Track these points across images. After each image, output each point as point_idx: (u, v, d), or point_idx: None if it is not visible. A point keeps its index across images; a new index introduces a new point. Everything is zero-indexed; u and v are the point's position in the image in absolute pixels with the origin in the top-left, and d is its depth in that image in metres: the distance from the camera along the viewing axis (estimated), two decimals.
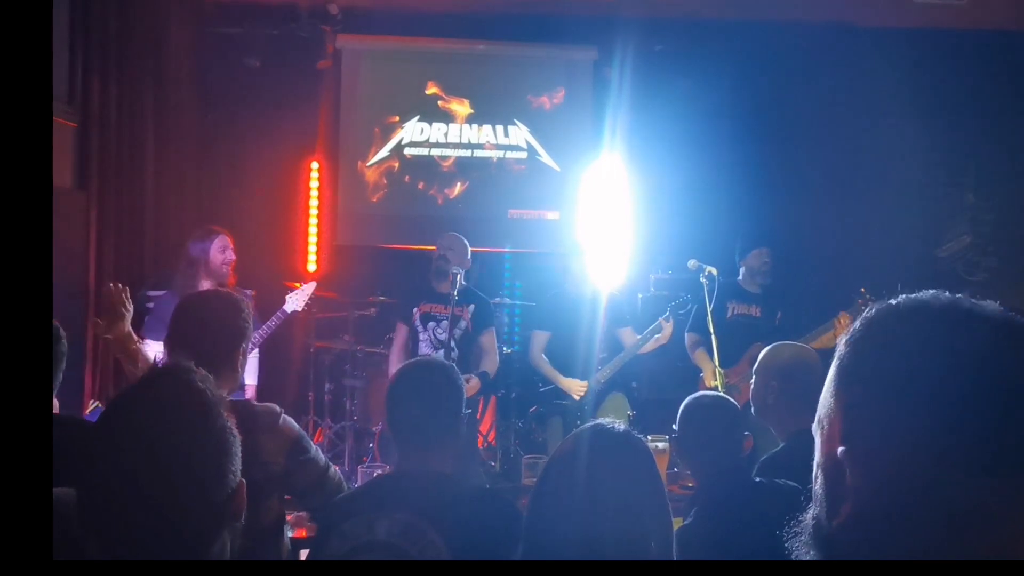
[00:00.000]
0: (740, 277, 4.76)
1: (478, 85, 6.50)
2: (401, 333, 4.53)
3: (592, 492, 1.52)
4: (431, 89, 6.44)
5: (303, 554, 2.65)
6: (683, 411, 2.35)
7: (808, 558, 0.83)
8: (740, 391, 4.18)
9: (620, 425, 1.63)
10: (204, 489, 1.09)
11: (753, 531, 1.33)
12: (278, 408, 2.21)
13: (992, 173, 6.31)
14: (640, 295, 5.80)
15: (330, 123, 6.37)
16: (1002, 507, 0.73)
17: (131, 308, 2.91)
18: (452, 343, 4.37)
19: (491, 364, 4.50)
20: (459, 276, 4.31)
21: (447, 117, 6.45)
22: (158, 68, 5.46)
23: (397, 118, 6.42)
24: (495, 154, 6.48)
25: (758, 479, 2.27)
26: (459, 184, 6.45)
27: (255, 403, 2.26)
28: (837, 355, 0.83)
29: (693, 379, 4.68)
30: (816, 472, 0.85)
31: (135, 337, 2.92)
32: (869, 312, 0.82)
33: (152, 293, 4.79)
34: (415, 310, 4.49)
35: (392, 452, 3.15)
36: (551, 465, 1.63)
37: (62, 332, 2.06)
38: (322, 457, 2.27)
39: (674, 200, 6.10)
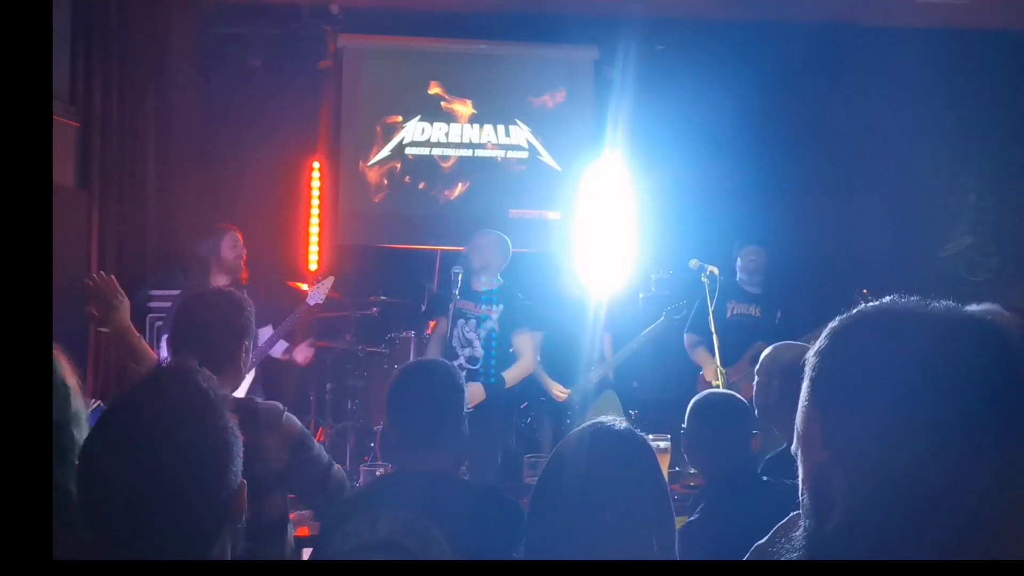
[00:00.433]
0: (738, 277, 4.78)
1: (479, 85, 6.50)
2: (439, 326, 4.45)
3: (594, 490, 1.52)
4: (434, 89, 6.44)
5: (306, 553, 2.65)
6: (692, 408, 2.35)
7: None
8: (741, 390, 4.18)
9: (622, 424, 1.63)
10: (205, 488, 1.09)
11: (760, 529, 1.33)
12: (281, 406, 2.22)
13: (993, 173, 6.31)
14: (641, 295, 5.80)
15: (331, 123, 6.37)
16: (985, 499, 0.76)
17: (125, 299, 2.67)
18: (477, 342, 4.28)
19: (517, 370, 4.28)
20: (459, 275, 4.28)
21: (449, 117, 6.45)
22: (160, 68, 5.47)
23: (399, 118, 6.42)
24: (496, 154, 6.48)
25: (765, 478, 2.27)
26: (460, 184, 6.45)
27: (258, 401, 2.27)
28: (809, 367, 0.87)
29: (693, 379, 4.68)
30: (802, 488, 0.88)
31: (135, 331, 2.71)
32: (835, 324, 0.86)
33: (155, 292, 4.80)
34: (451, 305, 4.36)
35: (393, 452, 3.14)
36: (552, 463, 1.63)
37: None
38: (325, 455, 2.27)
39: (675, 200, 6.10)
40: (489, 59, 6.56)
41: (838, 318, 0.86)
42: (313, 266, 6.12)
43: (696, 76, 6.20)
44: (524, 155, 6.49)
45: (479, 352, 4.28)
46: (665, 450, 3.47)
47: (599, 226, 5.75)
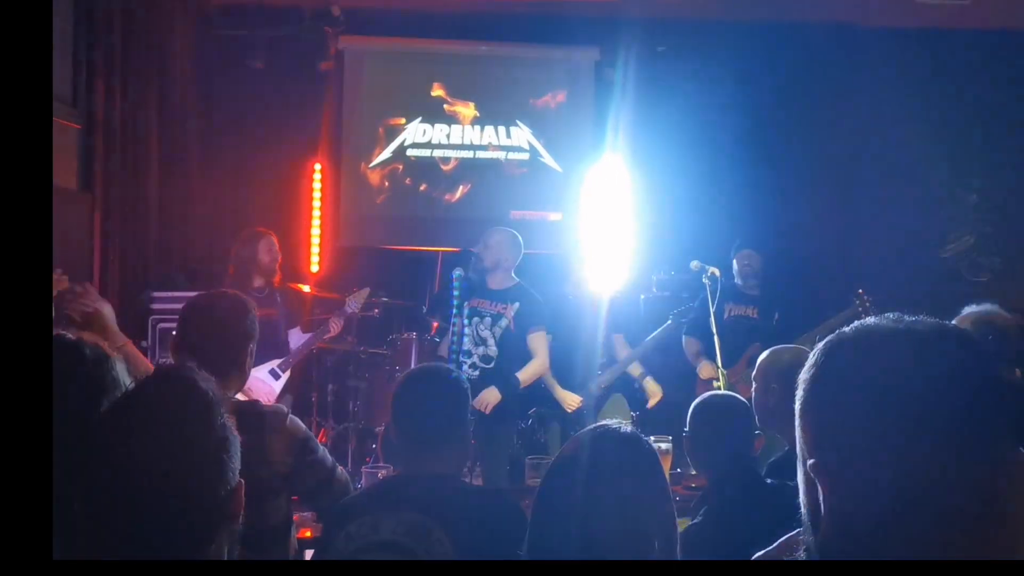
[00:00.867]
0: (735, 279, 4.79)
1: (480, 86, 6.51)
2: (441, 328, 4.44)
3: (597, 492, 1.53)
4: (437, 91, 6.45)
5: (308, 555, 2.66)
6: (695, 410, 2.35)
7: None
8: (738, 392, 4.18)
9: (625, 426, 1.64)
10: (201, 487, 1.09)
11: (763, 531, 1.34)
12: (285, 409, 2.23)
13: (995, 173, 6.31)
14: (642, 296, 5.81)
15: (333, 125, 6.38)
16: (961, 499, 0.81)
17: (99, 305, 2.32)
18: (492, 341, 4.20)
19: (531, 370, 4.19)
20: (460, 278, 4.25)
21: (450, 119, 6.46)
22: (162, 70, 5.48)
23: (402, 120, 6.43)
24: (497, 155, 6.49)
25: (768, 480, 2.27)
26: (461, 186, 6.45)
27: (262, 403, 2.27)
28: (800, 390, 0.92)
29: (694, 379, 4.68)
30: (802, 505, 0.93)
31: (123, 337, 2.39)
32: (819, 346, 0.92)
33: (158, 294, 4.81)
34: (466, 304, 4.30)
35: (396, 455, 3.14)
36: (556, 465, 1.64)
37: (107, 352, 1.52)
38: (329, 458, 2.28)
39: (676, 201, 6.11)
40: (489, 60, 6.56)
41: (822, 342, 0.92)
42: (315, 267, 6.13)
43: (697, 77, 6.21)
44: (525, 156, 6.50)
45: (493, 351, 4.20)
46: (667, 452, 3.47)
47: (601, 227, 5.75)
